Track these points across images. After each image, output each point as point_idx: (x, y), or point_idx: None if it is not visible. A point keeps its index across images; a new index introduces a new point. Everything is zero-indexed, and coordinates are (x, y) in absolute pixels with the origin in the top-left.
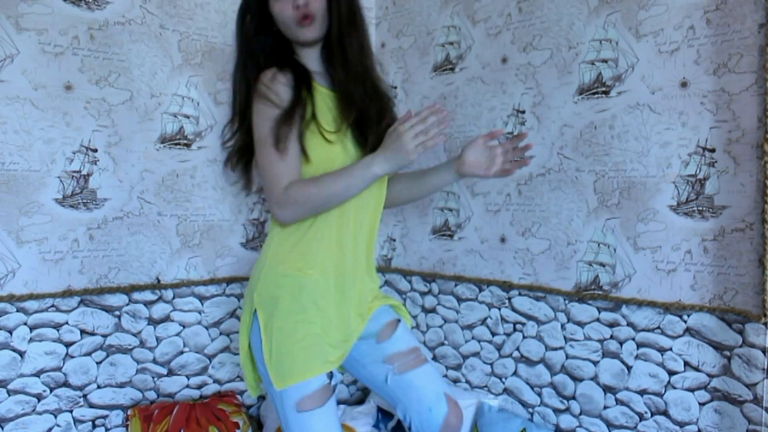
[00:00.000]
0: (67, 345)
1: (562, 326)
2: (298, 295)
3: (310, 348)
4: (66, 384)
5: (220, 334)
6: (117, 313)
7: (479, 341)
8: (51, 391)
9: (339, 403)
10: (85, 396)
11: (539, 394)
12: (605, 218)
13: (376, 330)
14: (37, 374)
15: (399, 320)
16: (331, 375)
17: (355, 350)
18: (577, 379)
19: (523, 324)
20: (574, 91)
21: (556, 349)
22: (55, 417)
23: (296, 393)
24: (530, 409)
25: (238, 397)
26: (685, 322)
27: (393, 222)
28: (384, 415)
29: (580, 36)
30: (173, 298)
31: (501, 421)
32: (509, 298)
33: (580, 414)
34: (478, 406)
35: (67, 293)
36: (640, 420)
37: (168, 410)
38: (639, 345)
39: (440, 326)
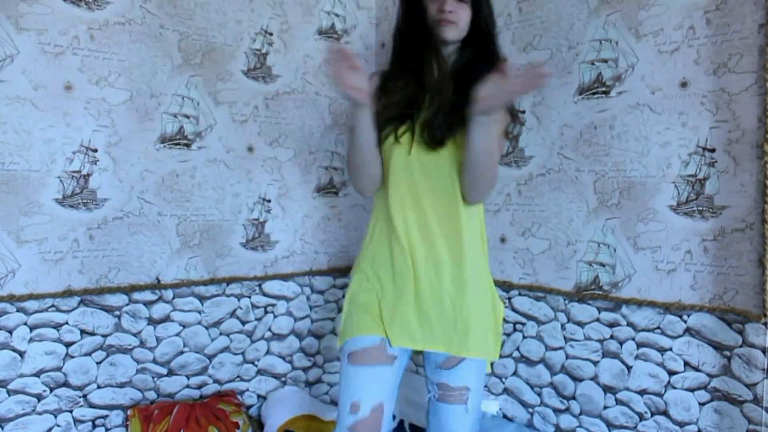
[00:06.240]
0: (67, 345)
1: (562, 326)
2: (363, 265)
3: (362, 309)
4: (66, 384)
5: (220, 334)
6: (117, 313)
7: None
8: (51, 391)
9: None
10: (85, 396)
11: (539, 394)
12: (605, 218)
13: (445, 356)
14: (37, 374)
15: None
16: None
17: (425, 358)
18: (577, 379)
19: (523, 324)
20: (574, 91)
21: (556, 349)
22: (55, 417)
23: (347, 347)
24: (530, 409)
25: (238, 397)
26: (685, 322)
27: None
28: None
29: (580, 36)
30: (173, 298)
31: (494, 428)
32: (509, 298)
33: (580, 414)
34: None
35: (67, 293)
36: (640, 420)
37: (168, 410)
38: (639, 345)
39: None
